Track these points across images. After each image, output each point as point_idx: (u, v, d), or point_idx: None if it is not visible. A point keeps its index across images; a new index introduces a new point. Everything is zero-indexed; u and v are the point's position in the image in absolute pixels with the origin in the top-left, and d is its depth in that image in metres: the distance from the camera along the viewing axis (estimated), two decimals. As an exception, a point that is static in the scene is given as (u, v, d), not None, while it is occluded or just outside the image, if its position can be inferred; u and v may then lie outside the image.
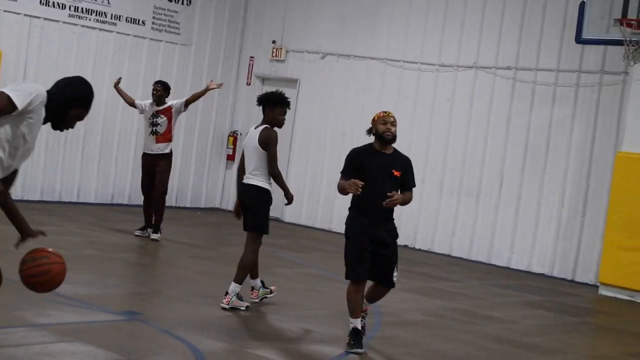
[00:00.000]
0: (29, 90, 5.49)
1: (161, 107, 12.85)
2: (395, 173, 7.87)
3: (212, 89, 13.44)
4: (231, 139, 18.96)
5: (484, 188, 15.39)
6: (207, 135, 18.66)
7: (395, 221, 8.16)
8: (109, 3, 16.79)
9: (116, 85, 13.33)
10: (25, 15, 15.62)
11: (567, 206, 14.73)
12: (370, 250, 7.82)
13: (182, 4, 17.89)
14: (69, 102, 5.62)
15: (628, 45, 12.88)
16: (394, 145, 8.08)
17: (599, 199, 14.25)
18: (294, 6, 18.17)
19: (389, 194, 7.62)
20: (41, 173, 15.98)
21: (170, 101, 13.02)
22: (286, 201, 9.45)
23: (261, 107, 9.29)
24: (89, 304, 8.68)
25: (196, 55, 18.25)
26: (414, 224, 16.09)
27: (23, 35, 15.67)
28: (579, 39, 13.60)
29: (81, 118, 5.75)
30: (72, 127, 5.77)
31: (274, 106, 9.17)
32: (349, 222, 8.01)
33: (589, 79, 14.63)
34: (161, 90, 12.95)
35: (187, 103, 13.02)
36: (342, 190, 7.88)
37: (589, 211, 14.48)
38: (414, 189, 8.11)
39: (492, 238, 15.09)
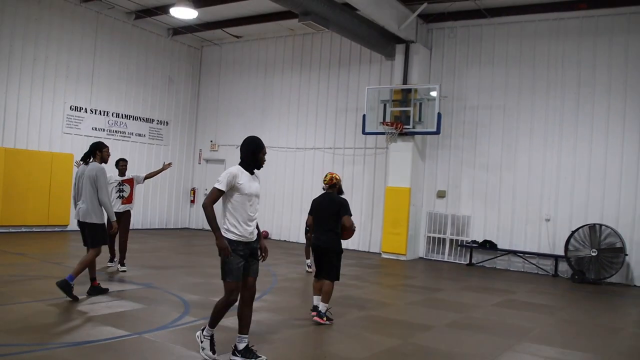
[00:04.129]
0: (225, 175, 4.68)
1: (125, 178, 9.54)
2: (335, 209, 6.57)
3: (166, 167, 10.02)
4: (192, 191, 18.38)
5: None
6: (179, 189, 18.19)
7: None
8: (126, 126, 16.50)
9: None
10: (85, 136, 15.24)
11: (365, 215, 14.89)
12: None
13: (163, 124, 17.61)
14: (250, 153, 4.76)
15: (387, 134, 13.39)
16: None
17: (379, 210, 14.58)
18: (222, 121, 17.80)
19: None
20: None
21: (131, 174, 9.76)
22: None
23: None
24: (129, 281, 8.41)
25: (172, 150, 18.01)
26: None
27: (84, 148, 15.07)
28: (364, 132, 13.71)
29: (264, 155, 4.78)
30: (263, 163, 4.81)
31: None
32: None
33: (370, 151, 14.91)
34: (126, 165, 9.63)
35: (146, 177, 9.82)
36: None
37: (375, 216, 14.74)
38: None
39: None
